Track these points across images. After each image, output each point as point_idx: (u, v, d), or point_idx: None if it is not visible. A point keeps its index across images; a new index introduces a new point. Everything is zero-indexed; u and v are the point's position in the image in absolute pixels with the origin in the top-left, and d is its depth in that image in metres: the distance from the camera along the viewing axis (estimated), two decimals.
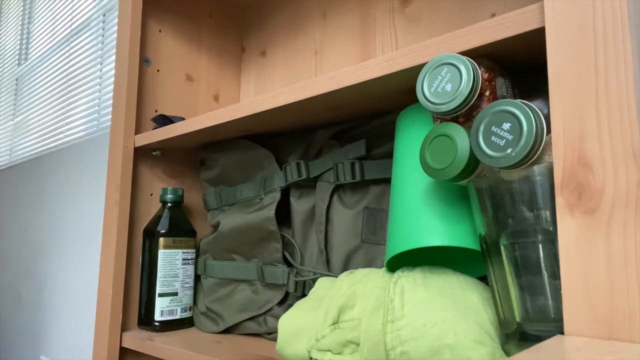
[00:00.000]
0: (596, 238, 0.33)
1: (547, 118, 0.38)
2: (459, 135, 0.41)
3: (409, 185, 0.50)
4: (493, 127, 0.38)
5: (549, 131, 0.38)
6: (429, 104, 0.43)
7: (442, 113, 0.42)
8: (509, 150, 0.37)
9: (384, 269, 0.52)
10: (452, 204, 0.48)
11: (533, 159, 0.37)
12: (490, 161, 0.38)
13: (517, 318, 0.39)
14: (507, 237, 0.40)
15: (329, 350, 0.50)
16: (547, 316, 0.37)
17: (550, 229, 0.37)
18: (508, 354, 0.41)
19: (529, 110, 0.37)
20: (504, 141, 0.37)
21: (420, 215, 0.48)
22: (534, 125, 0.36)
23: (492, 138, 0.38)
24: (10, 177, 2.28)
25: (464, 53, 0.44)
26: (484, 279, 0.53)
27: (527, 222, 0.38)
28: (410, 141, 0.53)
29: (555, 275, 0.36)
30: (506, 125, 0.38)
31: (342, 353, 0.49)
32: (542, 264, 0.37)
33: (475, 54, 0.44)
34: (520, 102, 0.38)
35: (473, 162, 0.41)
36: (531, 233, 0.38)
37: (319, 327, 0.51)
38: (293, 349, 0.53)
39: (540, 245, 0.38)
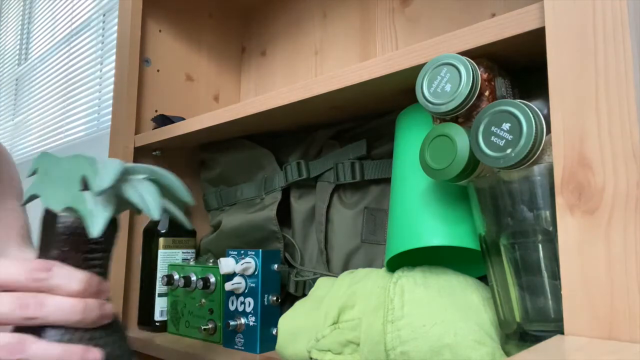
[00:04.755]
0: (596, 238, 0.33)
1: (547, 118, 0.38)
2: (459, 135, 0.41)
3: (409, 185, 0.50)
4: (493, 127, 0.38)
5: (548, 131, 0.38)
6: (429, 104, 0.43)
7: (441, 113, 0.42)
8: (508, 151, 0.37)
9: (384, 269, 0.52)
10: (452, 204, 0.48)
11: (533, 159, 0.37)
12: (490, 161, 0.38)
13: (517, 318, 0.39)
14: (507, 237, 0.40)
15: (329, 351, 0.50)
16: (547, 316, 0.37)
17: (550, 229, 0.37)
18: (508, 354, 0.41)
19: (528, 111, 0.37)
20: (503, 141, 0.37)
21: (420, 215, 0.48)
22: (534, 126, 0.36)
23: (492, 138, 0.38)
24: None
25: (463, 53, 0.44)
26: (484, 279, 0.53)
27: (527, 222, 0.38)
28: (410, 141, 0.53)
29: (555, 275, 0.36)
30: (506, 126, 0.38)
31: (342, 353, 0.49)
32: (542, 264, 0.37)
33: (476, 54, 0.44)
34: (520, 102, 0.38)
35: (473, 163, 0.41)
36: (531, 233, 0.38)
37: (319, 327, 0.51)
38: (293, 349, 0.53)
39: (540, 246, 0.38)
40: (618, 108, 0.33)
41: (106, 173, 0.36)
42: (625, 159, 0.32)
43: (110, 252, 0.39)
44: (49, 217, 0.38)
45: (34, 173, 0.41)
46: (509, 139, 0.37)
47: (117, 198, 0.37)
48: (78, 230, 0.37)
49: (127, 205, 0.39)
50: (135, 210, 0.39)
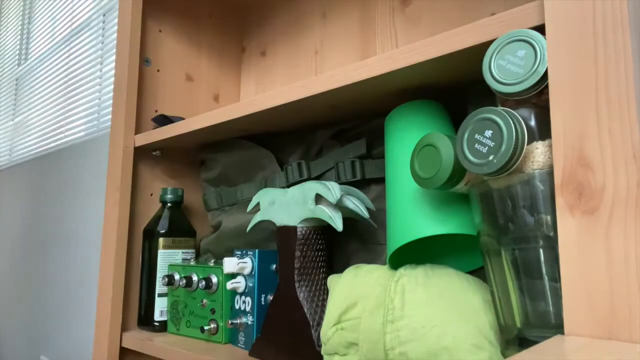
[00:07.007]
0: (596, 238, 0.33)
1: (531, 127, 0.38)
2: (444, 145, 0.42)
3: (403, 181, 0.51)
4: (476, 135, 0.39)
5: (532, 140, 0.38)
6: (498, 84, 0.39)
7: (513, 94, 0.39)
8: (491, 157, 0.37)
9: (387, 265, 0.52)
10: (445, 196, 0.48)
11: (515, 166, 0.37)
12: (474, 168, 0.39)
13: (518, 324, 0.39)
14: (508, 242, 0.40)
15: (335, 353, 0.50)
16: (547, 322, 0.37)
17: (551, 234, 0.37)
18: None
19: (509, 118, 0.37)
20: (486, 148, 0.38)
21: (415, 208, 0.49)
22: (514, 132, 0.37)
23: (476, 146, 0.38)
24: (10, 177, 2.28)
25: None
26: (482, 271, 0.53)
27: (528, 227, 0.38)
28: (401, 140, 0.53)
29: (556, 280, 0.36)
30: (488, 133, 0.38)
31: (347, 354, 0.49)
32: (543, 270, 0.37)
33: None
34: (502, 109, 0.38)
35: (458, 171, 0.42)
36: (532, 239, 0.38)
37: (325, 328, 0.51)
38: None
39: (541, 251, 0.38)
40: (618, 108, 0.32)
41: (336, 189, 0.54)
42: (625, 159, 0.32)
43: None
44: (286, 231, 0.58)
45: (256, 206, 0.63)
46: (491, 145, 0.37)
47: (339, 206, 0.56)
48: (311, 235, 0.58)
49: (345, 211, 0.58)
50: (354, 215, 0.60)
